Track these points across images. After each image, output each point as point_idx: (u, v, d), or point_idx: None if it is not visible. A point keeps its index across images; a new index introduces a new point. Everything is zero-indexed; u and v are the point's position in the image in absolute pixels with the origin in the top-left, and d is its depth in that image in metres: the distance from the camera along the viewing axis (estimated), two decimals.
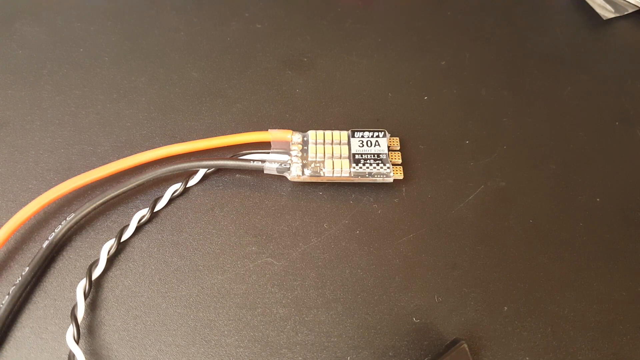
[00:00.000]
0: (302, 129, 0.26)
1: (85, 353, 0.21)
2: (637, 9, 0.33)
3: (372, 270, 0.23)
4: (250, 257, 0.23)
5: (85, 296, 0.21)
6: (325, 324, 0.22)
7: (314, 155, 0.25)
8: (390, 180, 0.25)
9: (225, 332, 0.22)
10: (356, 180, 0.25)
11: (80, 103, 0.28)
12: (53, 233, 0.22)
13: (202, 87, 0.29)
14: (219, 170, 0.26)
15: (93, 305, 0.22)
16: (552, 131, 0.28)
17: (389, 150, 0.25)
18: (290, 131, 0.26)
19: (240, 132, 0.26)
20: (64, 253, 0.23)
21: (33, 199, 0.23)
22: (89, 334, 0.21)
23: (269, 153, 0.25)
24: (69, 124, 0.27)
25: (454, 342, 0.21)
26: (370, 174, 0.24)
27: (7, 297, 0.21)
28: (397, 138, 0.26)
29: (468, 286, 0.23)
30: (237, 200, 0.25)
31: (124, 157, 0.25)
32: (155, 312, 0.22)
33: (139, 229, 0.24)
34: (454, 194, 0.25)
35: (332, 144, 0.25)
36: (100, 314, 0.22)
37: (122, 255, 0.23)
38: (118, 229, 0.23)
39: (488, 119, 0.28)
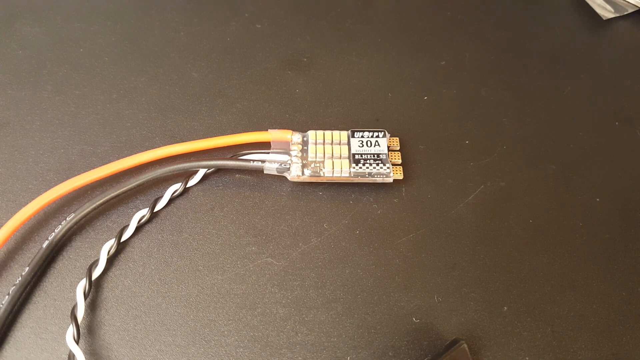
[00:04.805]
0: (302, 129, 0.26)
1: (85, 353, 0.21)
2: (637, 9, 0.33)
3: (372, 270, 0.23)
4: (250, 257, 0.23)
5: (85, 296, 0.21)
6: (325, 324, 0.22)
7: (314, 155, 0.25)
8: (390, 180, 0.25)
9: (225, 332, 0.22)
10: (356, 180, 0.25)
11: (80, 103, 0.28)
12: (53, 233, 0.22)
13: (202, 87, 0.29)
14: (219, 170, 0.26)
15: (93, 305, 0.22)
16: (552, 131, 0.28)
17: (388, 150, 0.25)
18: (290, 131, 0.26)
19: (240, 132, 0.26)
20: (64, 253, 0.23)
21: (33, 199, 0.23)
22: (89, 334, 0.21)
23: (269, 153, 0.25)
24: (69, 124, 0.27)
25: (454, 342, 0.21)
26: (370, 174, 0.24)
27: (7, 297, 0.21)
28: (397, 138, 0.26)
29: (468, 286, 0.23)
30: (237, 200, 0.25)
31: (124, 157, 0.25)
32: (155, 312, 0.22)
33: (139, 229, 0.24)
34: (454, 194, 0.25)
35: (332, 144, 0.25)
36: (100, 314, 0.22)
37: (122, 255, 0.23)
38: (118, 229, 0.23)
39: (488, 119, 0.28)
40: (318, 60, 0.30)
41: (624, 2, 0.34)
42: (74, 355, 0.19)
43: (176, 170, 0.24)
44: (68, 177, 0.24)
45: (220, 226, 0.24)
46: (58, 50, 0.30)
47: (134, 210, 0.24)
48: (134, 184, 0.24)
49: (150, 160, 0.25)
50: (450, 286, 0.23)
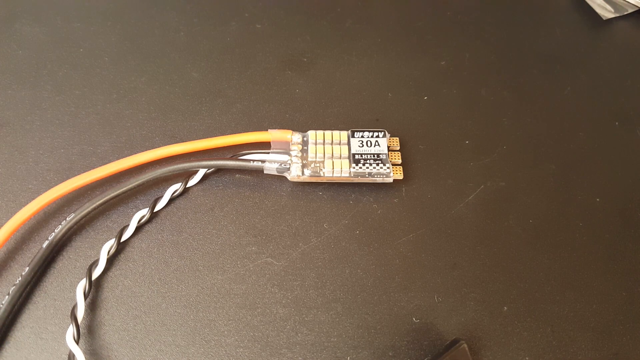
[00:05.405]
0: (302, 129, 0.26)
1: (85, 353, 0.21)
2: (637, 9, 0.33)
3: (372, 270, 0.23)
4: (250, 257, 0.23)
5: (85, 296, 0.21)
6: (325, 324, 0.22)
7: (314, 155, 0.25)
8: (390, 180, 0.25)
9: (225, 332, 0.22)
10: (356, 180, 0.25)
11: (80, 103, 0.28)
12: (53, 233, 0.22)
13: (202, 87, 0.29)
14: (219, 170, 0.26)
15: (93, 305, 0.22)
16: (552, 131, 0.28)
17: (388, 150, 0.25)
18: (290, 131, 0.26)
19: (240, 132, 0.26)
20: (64, 253, 0.23)
21: (33, 199, 0.23)
22: (89, 334, 0.21)
23: (269, 153, 0.25)
24: (69, 124, 0.27)
25: (454, 342, 0.21)
26: (370, 174, 0.24)
27: (7, 297, 0.21)
28: (397, 138, 0.26)
29: (468, 286, 0.23)
30: (237, 200, 0.25)
31: (124, 157, 0.25)
32: (155, 312, 0.22)
33: (139, 229, 0.24)
34: (454, 194, 0.25)
35: (332, 144, 0.25)
36: (100, 314, 0.22)
37: (122, 255, 0.23)
38: (118, 229, 0.23)
39: (488, 119, 0.28)
40: (318, 60, 0.30)
41: (624, 2, 0.34)
42: (74, 355, 0.19)
43: (176, 170, 0.24)
44: (68, 177, 0.24)
45: (220, 226, 0.24)
46: (58, 50, 0.30)
47: (134, 210, 0.24)
48: (134, 184, 0.24)
49: (150, 160, 0.25)
50: (450, 286, 0.23)
